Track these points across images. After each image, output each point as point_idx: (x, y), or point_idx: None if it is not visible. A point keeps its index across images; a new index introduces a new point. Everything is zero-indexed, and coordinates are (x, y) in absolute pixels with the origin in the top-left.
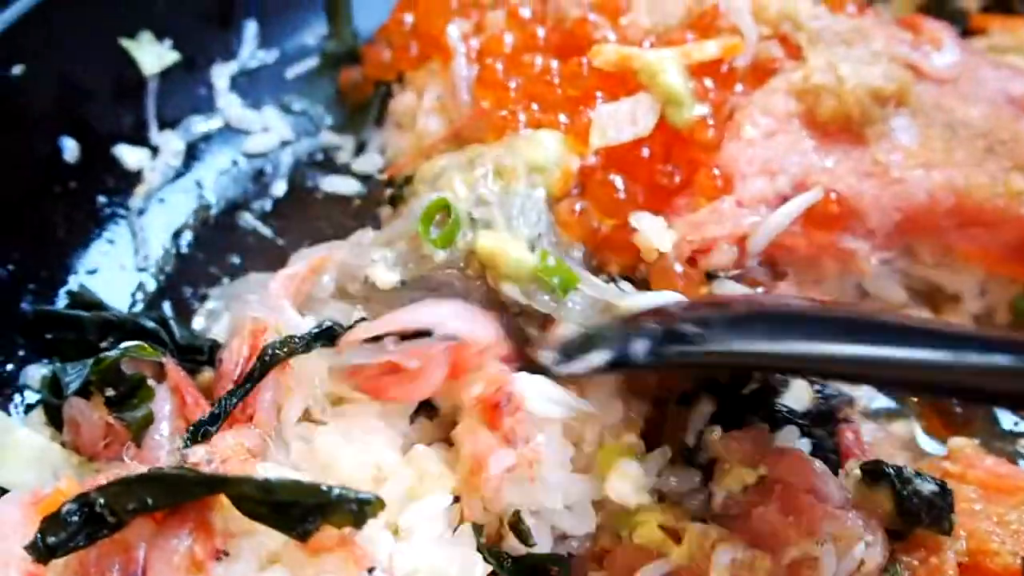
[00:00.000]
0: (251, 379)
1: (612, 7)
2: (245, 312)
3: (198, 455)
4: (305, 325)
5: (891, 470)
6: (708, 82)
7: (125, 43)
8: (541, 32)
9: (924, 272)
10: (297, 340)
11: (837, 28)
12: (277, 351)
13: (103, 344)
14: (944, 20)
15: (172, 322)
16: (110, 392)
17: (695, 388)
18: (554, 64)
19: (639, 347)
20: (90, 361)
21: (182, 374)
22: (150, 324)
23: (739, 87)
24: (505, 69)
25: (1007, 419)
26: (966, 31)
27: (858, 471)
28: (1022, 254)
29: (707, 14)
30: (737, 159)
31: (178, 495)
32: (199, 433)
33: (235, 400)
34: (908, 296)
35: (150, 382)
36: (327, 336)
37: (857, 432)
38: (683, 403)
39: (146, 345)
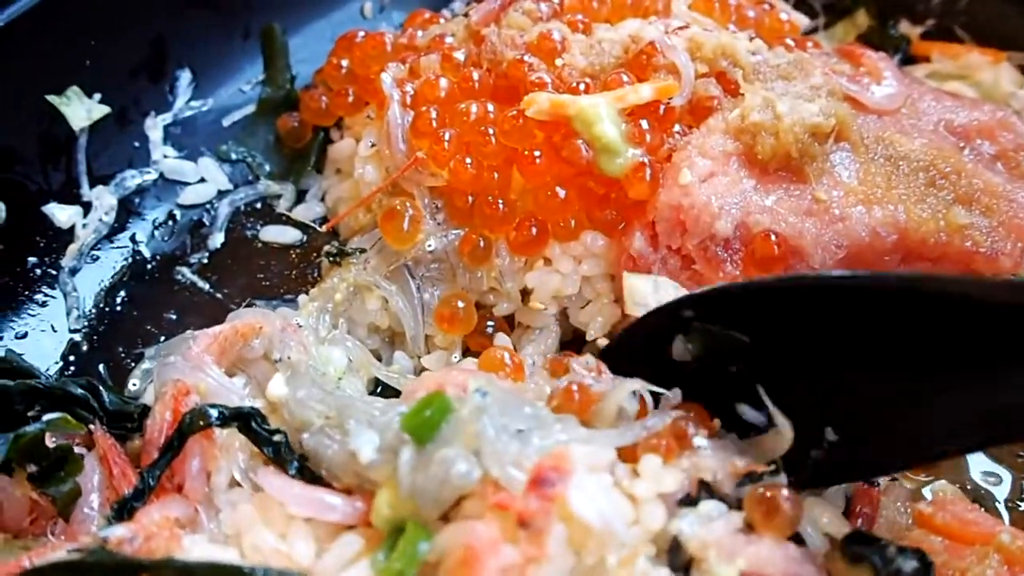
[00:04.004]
0: (170, 449)
1: (547, 48)
2: (168, 374)
3: (118, 534)
4: (230, 386)
5: (873, 551)
6: (645, 123)
7: (52, 99)
8: (476, 75)
9: None
10: (214, 416)
11: (775, 62)
12: (194, 422)
13: (30, 413)
14: (886, 47)
15: (102, 388)
16: (33, 468)
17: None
18: (490, 108)
19: None
20: (11, 435)
21: (110, 442)
22: (79, 391)
23: (677, 127)
24: (440, 116)
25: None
26: (908, 58)
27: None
28: None
29: (644, 53)
30: (676, 203)
31: None
32: (124, 510)
33: (157, 472)
34: None
35: (80, 451)
36: (243, 419)
37: (875, 498)
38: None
39: (70, 418)
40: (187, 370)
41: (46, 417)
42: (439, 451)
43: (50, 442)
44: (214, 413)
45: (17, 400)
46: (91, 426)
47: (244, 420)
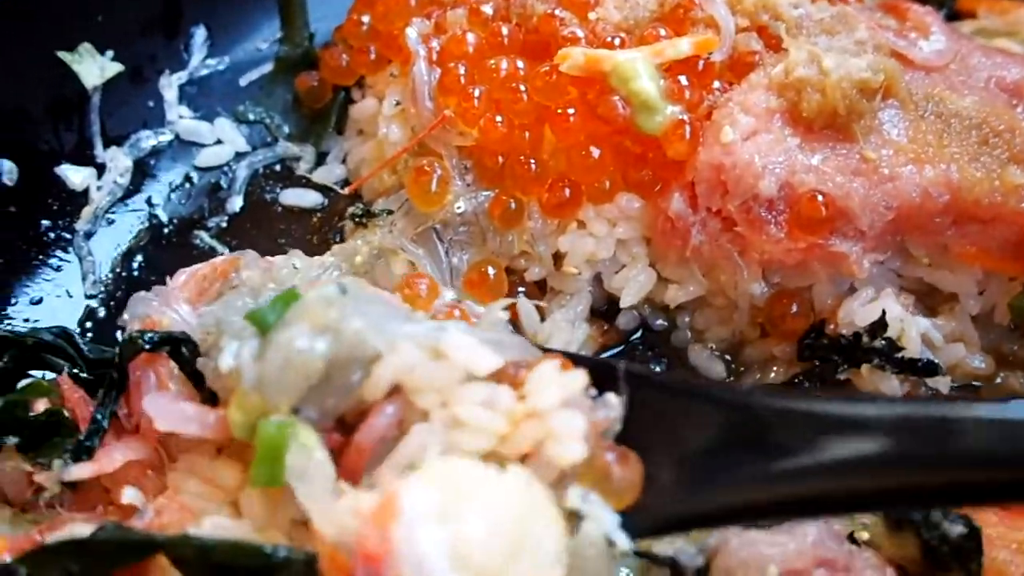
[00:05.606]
0: (113, 383)
1: (580, 1)
2: (137, 310)
3: (79, 473)
4: (194, 322)
5: (917, 517)
6: (684, 79)
7: (63, 55)
8: (505, 30)
9: (919, 272)
10: (146, 340)
11: (818, 17)
12: (126, 348)
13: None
14: (930, 3)
15: (76, 336)
16: (14, 440)
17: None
18: (520, 65)
19: None
20: None
21: (78, 395)
22: (50, 338)
23: (717, 84)
24: (468, 72)
25: None
26: (953, 13)
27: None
28: (1021, 251)
29: (681, 6)
30: (717, 162)
31: (108, 562)
32: (81, 453)
33: (106, 410)
34: (902, 296)
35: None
36: (174, 344)
37: None
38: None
39: (43, 381)
40: (156, 305)
41: (20, 384)
42: (280, 334)
43: (42, 406)
44: (146, 337)
45: None
46: (59, 378)
47: (175, 344)
